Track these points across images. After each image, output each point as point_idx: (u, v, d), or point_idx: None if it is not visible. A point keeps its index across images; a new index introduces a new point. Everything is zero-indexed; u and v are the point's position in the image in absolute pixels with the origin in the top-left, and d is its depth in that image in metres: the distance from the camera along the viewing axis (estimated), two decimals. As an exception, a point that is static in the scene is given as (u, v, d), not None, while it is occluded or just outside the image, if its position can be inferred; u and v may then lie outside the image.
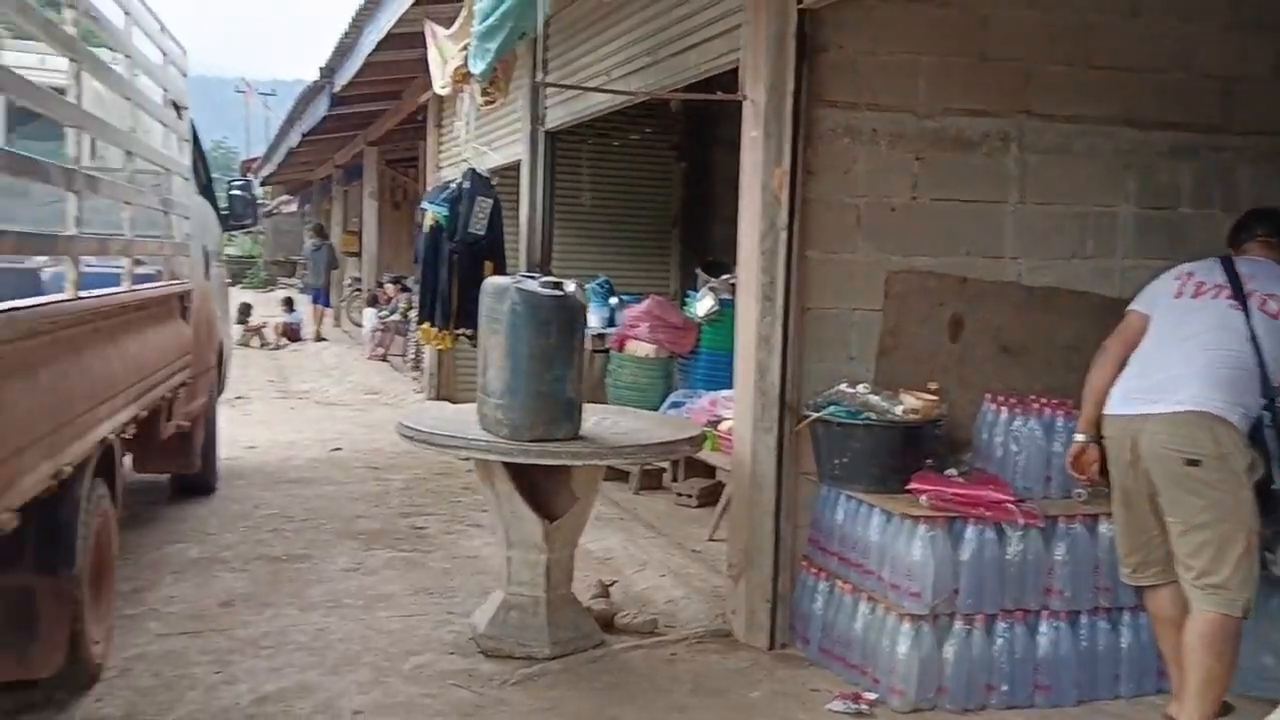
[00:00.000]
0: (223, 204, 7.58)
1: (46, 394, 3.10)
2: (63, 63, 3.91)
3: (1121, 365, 3.74)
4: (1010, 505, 3.91)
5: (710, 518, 6.15)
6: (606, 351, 7.71)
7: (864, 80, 4.40)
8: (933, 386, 4.32)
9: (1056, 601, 3.97)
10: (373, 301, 16.55)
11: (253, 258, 34.06)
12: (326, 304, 19.24)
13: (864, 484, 4.13)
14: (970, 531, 3.88)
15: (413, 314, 13.52)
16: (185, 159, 6.05)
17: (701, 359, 7.17)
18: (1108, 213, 4.76)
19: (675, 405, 6.78)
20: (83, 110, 3.77)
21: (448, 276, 7.02)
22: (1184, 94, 4.77)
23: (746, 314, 4.45)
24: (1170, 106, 4.76)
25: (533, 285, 4.14)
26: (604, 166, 9.80)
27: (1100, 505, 3.98)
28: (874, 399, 4.16)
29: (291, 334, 17.46)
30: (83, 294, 3.65)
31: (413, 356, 13.77)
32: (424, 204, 7.18)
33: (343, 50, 10.07)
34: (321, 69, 11.21)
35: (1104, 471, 3.81)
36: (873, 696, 3.86)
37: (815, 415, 4.23)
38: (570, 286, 4.18)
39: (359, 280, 19.55)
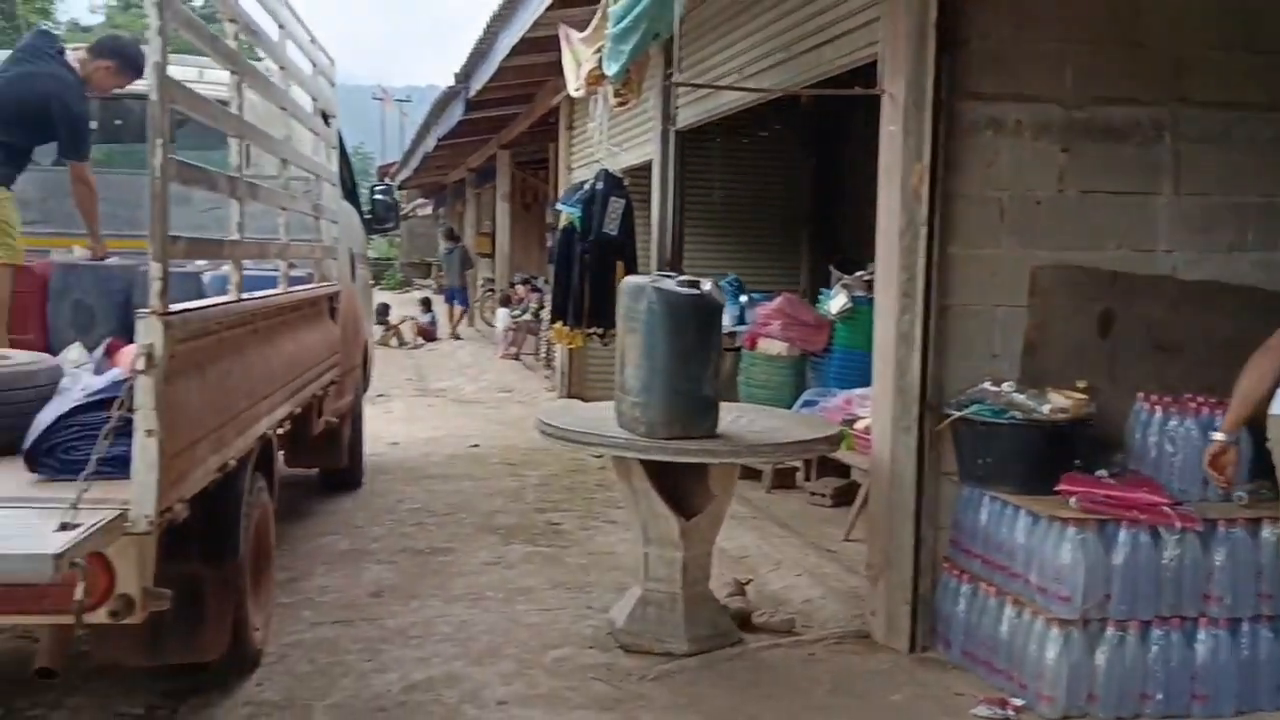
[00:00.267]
0: (365, 208, 7.83)
1: (213, 391, 3.26)
2: (222, 75, 4.11)
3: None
4: (1166, 508, 3.77)
5: (844, 517, 6.08)
6: (737, 350, 7.66)
7: (1007, 71, 4.30)
8: (1081, 385, 4.18)
9: (1215, 608, 3.81)
10: (505, 302, 16.89)
11: (390, 259, 35.06)
12: (465, 304, 19.70)
13: (1009, 485, 4.03)
14: (1123, 535, 3.76)
15: (544, 313, 13.80)
16: (333, 166, 6.27)
17: (834, 357, 7.07)
18: (1270, 203, 4.54)
19: (808, 404, 6.71)
20: (245, 121, 3.96)
21: (579, 276, 7.14)
22: (1352, 77, 4.52)
23: (885, 311, 4.40)
24: (1338, 90, 4.51)
25: (669, 284, 4.17)
26: (733, 164, 9.77)
27: (1262, 509, 3.80)
28: (1019, 398, 4.06)
29: (427, 334, 17.94)
30: (244, 296, 3.84)
31: (544, 355, 14.01)
32: (558, 205, 7.29)
33: (478, 55, 10.29)
34: (457, 74, 11.49)
35: (1263, 475, 3.63)
36: (1019, 702, 3.78)
37: (958, 414, 4.15)
38: (707, 285, 4.20)
39: (491, 281, 19.97)
